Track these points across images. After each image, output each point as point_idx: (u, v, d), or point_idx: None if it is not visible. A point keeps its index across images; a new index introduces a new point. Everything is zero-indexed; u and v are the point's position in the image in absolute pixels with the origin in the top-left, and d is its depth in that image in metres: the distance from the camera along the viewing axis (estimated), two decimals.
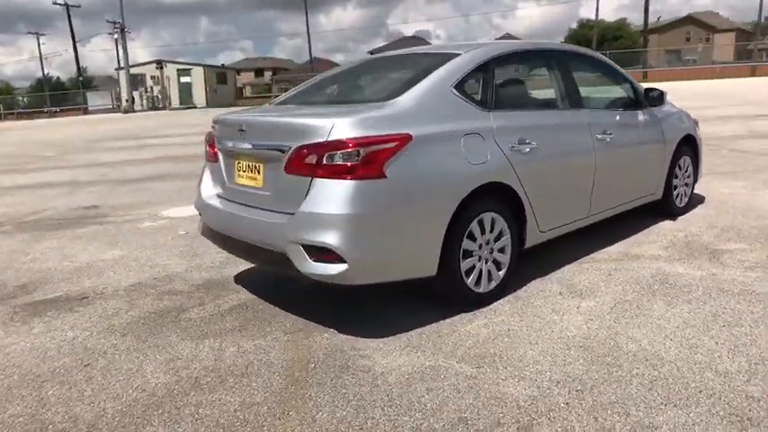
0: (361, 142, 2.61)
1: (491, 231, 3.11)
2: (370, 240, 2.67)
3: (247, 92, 60.95)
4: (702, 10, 68.08)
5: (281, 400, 2.34)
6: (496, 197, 3.10)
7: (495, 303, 3.19)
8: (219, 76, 39.19)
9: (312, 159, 2.67)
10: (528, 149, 3.24)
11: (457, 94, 3.06)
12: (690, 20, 62.86)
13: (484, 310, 3.12)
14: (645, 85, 4.52)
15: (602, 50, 45.48)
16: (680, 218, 4.78)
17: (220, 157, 3.35)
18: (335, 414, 2.23)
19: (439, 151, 2.86)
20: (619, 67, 4.40)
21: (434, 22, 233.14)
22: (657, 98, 4.25)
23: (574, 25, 66.90)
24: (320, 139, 2.66)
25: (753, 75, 36.83)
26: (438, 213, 2.84)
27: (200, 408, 2.32)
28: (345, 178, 2.61)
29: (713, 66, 43.56)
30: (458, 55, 3.27)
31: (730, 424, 2.03)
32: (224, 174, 3.32)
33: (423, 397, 2.31)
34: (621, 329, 2.82)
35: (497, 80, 3.35)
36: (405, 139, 2.70)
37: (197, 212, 3.64)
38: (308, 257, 2.69)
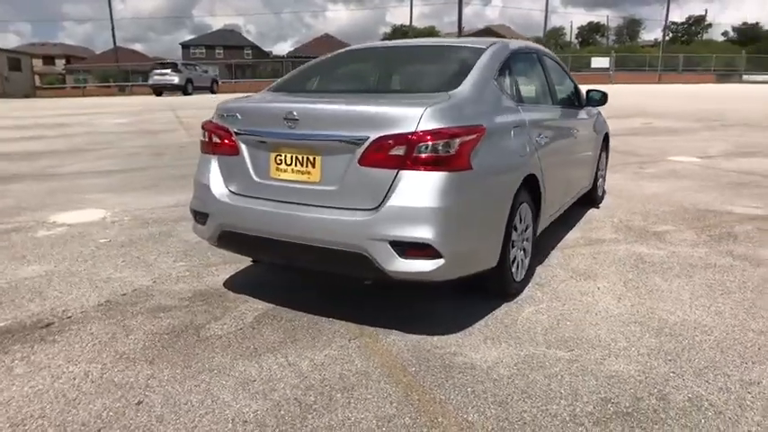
0: (454, 133, 2.54)
1: (523, 222, 3.23)
2: (461, 233, 2.61)
3: (35, 81, 52.65)
4: (497, 23, 76.82)
5: (418, 409, 2.18)
6: (529, 188, 3.23)
7: (525, 292, 3.32)
8: (12, 62, 33.32)
9: (400, 150, 2.52)
10: (543, 143, 3.43)
11: (497, 86, 3.12)
12: (488, 32, 70.50)
13: (520, 298, 3.23)
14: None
15: None
16: (601, 206, 5.42)
17: (243, 148, 2.95)
18: (485, 413, 2.15)
19: (501, 143, 2.89)
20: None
21: (244, 17, 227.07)
22: (600, 99, 4.77)
23: (386, 29, 70.45)
24: (408, 129, 2.51)
25: None
26: (504, 204, 2.88)
27: (335, 430, 2.05)
28: (439, 170, 2.51)
29: None
30: (483, 49, 3.33)
31: None
32: (250, 168, 2.93)
33: (549, 384, 2.34)
34: (651, 304, 3.15)
35: (516, 75, 3.48)
36: (482, 131, 2.69)
37: (202, 215, 3.14)
38: (396, 255, 2.53)
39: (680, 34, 72.13)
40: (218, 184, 3.04)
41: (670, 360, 2.53)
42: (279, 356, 2.60)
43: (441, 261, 2.53)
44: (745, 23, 71.55)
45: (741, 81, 46.10)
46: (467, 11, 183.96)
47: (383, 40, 65.33)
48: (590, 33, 79.70)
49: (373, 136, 2.56)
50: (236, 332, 2.84)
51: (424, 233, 2.49)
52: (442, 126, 2.53)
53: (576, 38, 78.31)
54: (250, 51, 68.95)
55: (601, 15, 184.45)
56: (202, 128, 3.18)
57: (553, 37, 70.76)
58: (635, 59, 49.37)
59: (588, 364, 2.50)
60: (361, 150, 2.58)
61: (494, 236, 2.84)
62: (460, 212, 2.59)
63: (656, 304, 3.14)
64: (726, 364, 2.49)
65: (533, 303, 3.16)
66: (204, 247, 4.14)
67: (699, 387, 2.32)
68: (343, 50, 3.95)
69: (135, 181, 6.81)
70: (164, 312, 3.09)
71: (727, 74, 48.49)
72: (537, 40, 54.53)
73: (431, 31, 64.89)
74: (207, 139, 3.13)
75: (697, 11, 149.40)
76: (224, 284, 3.48)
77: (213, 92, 28.64)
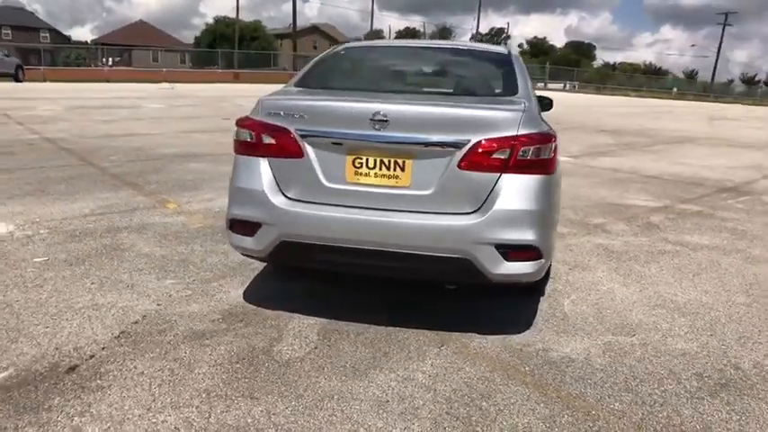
0: (548, 137, 2.63)
1: None
2: (552, 234, 2.72)
3: None
4: (323, 22, 77.71)
5: (566, 405, 2.26)
6: None
7: (547, 285, 3.55)
8: None
9: (503, 154, 2.54)
10: None
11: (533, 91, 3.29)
12: (316, 29, 71.02)
13: (547, 292, 3.45)
14: None
15: (242, 49, 47.42)
16: None
17: (309, 150, 2.69)
18: (622, 400, 2.31)
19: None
20: None
21: None
22: (548, 105, 5.20)
23: (201, 20, 66.73)
24: (511, 133, 2.55)
25: None
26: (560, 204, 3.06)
27: None
28: (538, 173, 2.59)
29: None
30: (505, 53, 3.48)
31: None
32: (319, 172, 2.69)
33: (645, 367, 2.59)
34: (653, 289, 3.59)
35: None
36: (556, 136, 2.83)
37: (250, 224, 2.78)
38: (501, 258, 2.55)
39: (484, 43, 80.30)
40: (272, 190, 2.74)
41: (711, 335, 2.94)
42: (387, 372, 2.46)
43: (541, 261, 2.62)
44: (535, 38, 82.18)
45: (546, 89, 53.20)
46: (285, 7, 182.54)
47: (204, 31, 61.04)
48: (407, 38, 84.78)
49: (474, 139, 2.54)
50: (314, 351, 2.61)
51: (529, 235, 2.55)
52: (535, 131, 2.60)
53: None
54: (48, 34, 60.25)
55: (414, 21, 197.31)
56: (242, 126, 2.83)
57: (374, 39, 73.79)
58: None
59: (658, 346, 2.80)
60: (461, 154, 2.55)
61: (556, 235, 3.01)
62: (552, 214, 2.71)
63: (656, 288, 3.59)
64: (751, 334, 2.97)
65: (563, 295, 3.40)
66: (176, 260, 3.68)
67: (750, 354, 2.74)
68: (358, 46, 3.87)
69: (8, 187, 5.64)
70: (208, 339, 2.70)
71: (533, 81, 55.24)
72: (358, 40, 56.38)
73: (256, 27, 63.18)
74: (253, 140, 2.79)
75: (498, 24, 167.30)
76: (246, 300, 3.15)
77: (18, 80, 24.16)
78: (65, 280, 3.34)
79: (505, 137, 2.54)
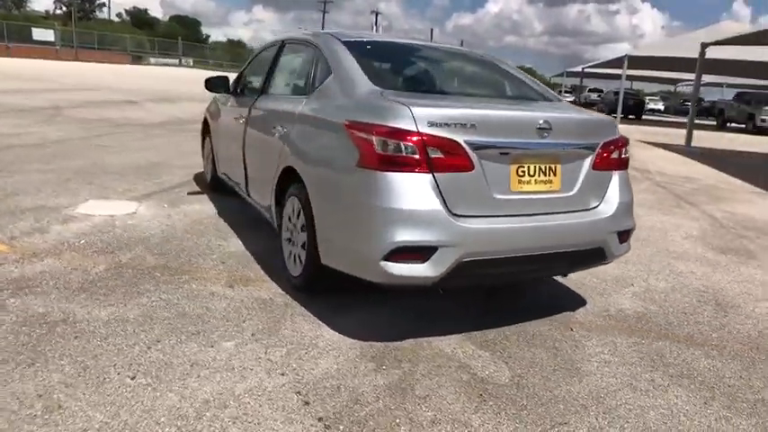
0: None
1: None
2: None
3: None
4: None
5: (729, 395, 2.85)
6: None
7: None
8: None
9: (616, 154, 2.96)
10: None
11: None
12: None
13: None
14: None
15: None
16: None
17: (479, 163, 2.52)
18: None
19: None
20: None
21: None
22: None
23: None
24: (615, 136, 2.98)
25: None
26: None
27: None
28: (626, 168, 3.11)
29: None
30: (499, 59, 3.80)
31: None
32: (489, 184, 2.56)
33: None
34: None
35: None
36: None
37: (424, 249, 2.42)
38: (618, 242, 3.00)
39: (74, 9, 70.27)
40: (442, 209, 2.47)
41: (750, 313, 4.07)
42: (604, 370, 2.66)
43: (630, 242, 3.18)
44: (135, 8, 76.58)
45: (150, 63, 50.36)
46: None
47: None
48: None
49: (600, 142, 2.89)
50: (520, 376, 2.57)
51: (632, 220, 3.08)
52: (621, 134, 3.10)
53: None
54: None
55: None
56: (395, 138, 2.41)
57: None
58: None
59: (721, 331, 3.74)
60: (593, 155, 2.86)
61: None
62: None
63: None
64: None
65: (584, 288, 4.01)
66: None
67: None
68: (384, 41, 3.48)
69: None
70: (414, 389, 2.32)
71: (140, 55, 51.72)
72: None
73: None
74: (415, 154, 2.42)
75: None
76: (358, 327, 2.71)
77: None
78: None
79: (616, 139, 2.97)
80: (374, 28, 72.33)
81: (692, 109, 15.72)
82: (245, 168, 4.08)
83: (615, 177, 3.00)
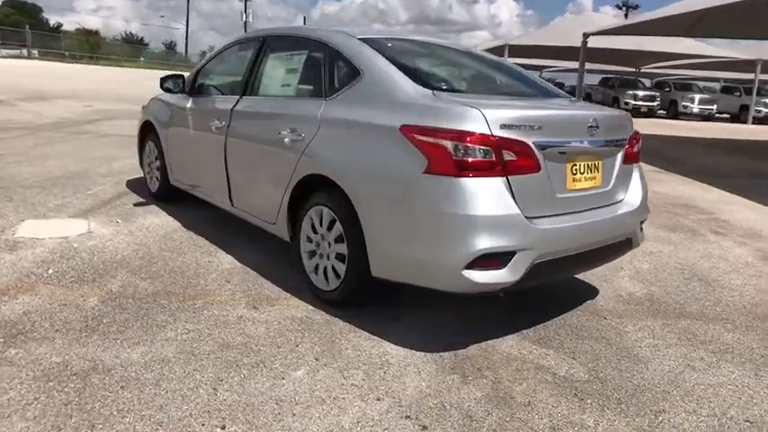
0: None
1: None
2: None
3: None
4: None
5: None
6: None
7: None
8: None
9: (635, 148, 3.12)
10: None
11: None
12: None
13: None
14: None
15: None
16: None
17: (544, 164, 2.52)
18: None
19: None
20: None
21: None
22: None
23: None
24: (633, 130, 3.15)
25: None
26: None
27: None
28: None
29: None
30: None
31: None
32: (552, 184, 2.57)
33: None
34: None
35: None
36: None
37: (502, 255, 2.38)
38: (641, 232, 3.18)
39: None
40: (519, 212, 2.45)
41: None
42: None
43: None
44: None
45: None
46: None
47: None
48: None
49: (627, 137, 3.03)
50: (595, 370, 2.64)
51: (649, 212, 3.26)
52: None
53: None
54: None
55: None
56: (477, 143, 2.34)
57: None
58: None
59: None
60: (623, 150, 2.99)
61: None
62: None
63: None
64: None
65: None
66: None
67: None
68: (403, 39, 3.34)
69: None
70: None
71: None
72: None
73: None
74: (491, 158, 2.36)
75: None
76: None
77: None
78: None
79: (635, 133, 3.13)
80: (244, 16, 69.86)
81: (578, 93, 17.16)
82: (228, 177, 3.75)
83: (636, 171, 3.17)
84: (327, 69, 3.09)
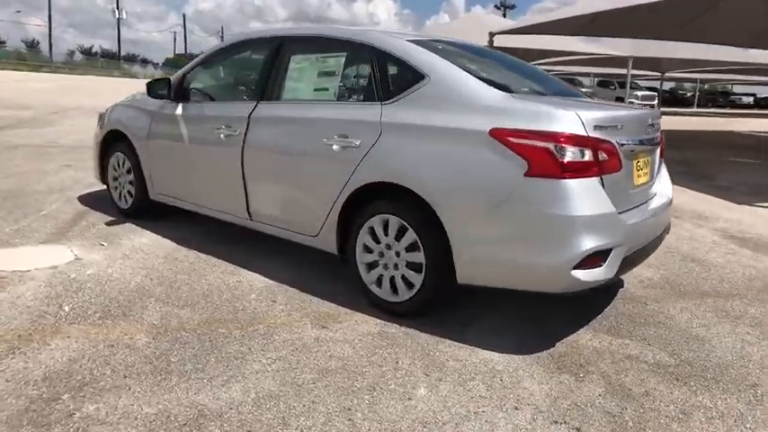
0: None
1: None
2: None
3: None
4: None
5: None
6: None
7: None
8: None
9: (663, 142, 3.35)
10: None
11: None
12: None
13: None
14: None
15: None
16: None
17: (624, 162, 2.63)
18: None
19: None
20: None
21: None
22: None
23: None
24: None
25: None
26: None
27: None
28: None
29: None
30: None
31: None
32: (626, 181, 2.68)
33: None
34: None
35: None
36: None
37: (602, 253, 2.44)
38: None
39: None
40: (614, 210, 2.53)
41: None
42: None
43: None
44: None
45: None
46: None
47: None
48: None
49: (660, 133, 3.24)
50: (676, 354, 2.79)
51: None
52: None
53: None
54: None
55: None
56: (579, 144, 2.38)
57: None
58: None
59: None
60: (660, 146, 3.19)
61: None
62: None
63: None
64: None
65: None
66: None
67: None
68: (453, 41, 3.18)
69: None
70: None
71: None
72: None
73: None
74: (592, 159, 2.42)
75: None
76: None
77: None
78: None
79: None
80: (117, 13, 65.22)
81: None
82: (246, 189, 3.49)
83: (663, 164, 3.39)
84: (379, 72, 2.97)
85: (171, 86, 3.95)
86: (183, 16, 71.05)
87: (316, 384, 2.29)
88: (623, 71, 25.29)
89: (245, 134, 3.42)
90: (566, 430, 2.07)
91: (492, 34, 15.54)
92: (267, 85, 3.45)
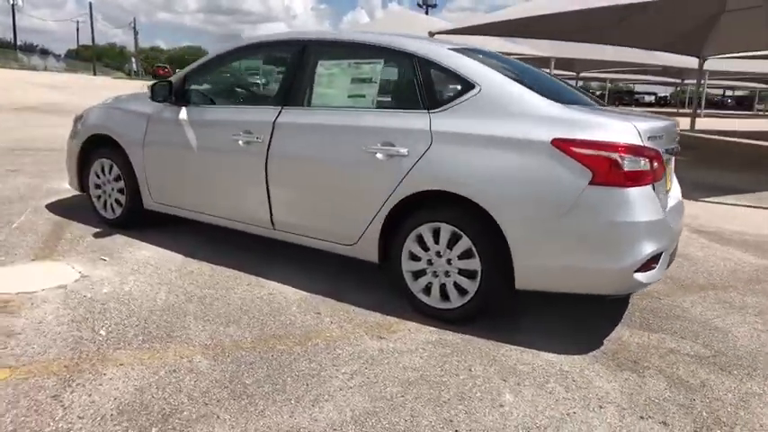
0: None
1: None
2: None
3: None
4: None
5: None
6: None
7: None
8: None
9: None
10: None
11: None
12: None
13: None
14: None
15: None
16: None
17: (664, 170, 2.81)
18: None
19: None
20: None
21: None
22: None
23: None
24: None
25: None
26: None
27: None
28: None
29: None
30: None
31: None
32: (662, 187, 2.86)
33: None
34: None
35: None
36: None
37: (656, 257, 2.60)
38: None
39: None
40: (664, 215, 2.70)
41: None
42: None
43: None
44: None
45: None
46: None
47: None
48: None
49: None
50: (710, 346, 3.01)
51: None
52: None
53: None
54: None
55: None
56: (640, 154, 2.52)
57: None
58: None
59: None
60: (674, 156, 3.41)
61: None
62: None
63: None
64: None
65: None
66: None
67: None
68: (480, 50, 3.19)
69: None
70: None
71: None
72: None
73: None
74: (648, 167, 2.56)
75: None
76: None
77: None
78: None
79: None
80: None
81: None
82: (270, 198, 3.38)
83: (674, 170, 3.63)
84: (424, 81, 2.97)
85: (172, 88, 3.74)
86: (90, 5, 66.10)
87: (405, 397, 2.28)
88: (546, 71, 26.73)
89: (270, 141, 3.31)
90: (653, 424, 2.19)
91: (432, 34, 15.83)
92: (291, 90, 3.35)
